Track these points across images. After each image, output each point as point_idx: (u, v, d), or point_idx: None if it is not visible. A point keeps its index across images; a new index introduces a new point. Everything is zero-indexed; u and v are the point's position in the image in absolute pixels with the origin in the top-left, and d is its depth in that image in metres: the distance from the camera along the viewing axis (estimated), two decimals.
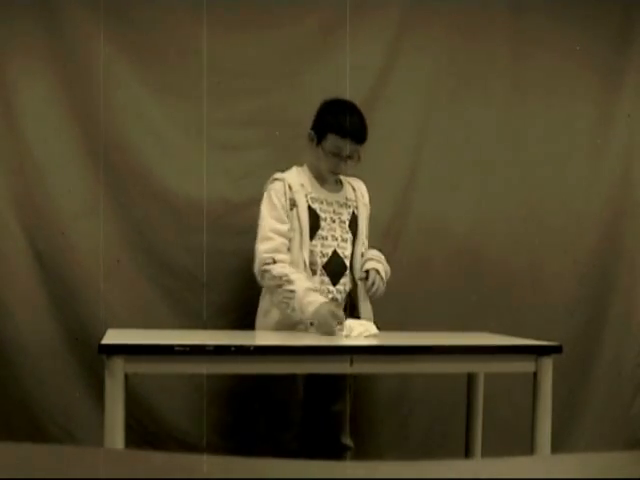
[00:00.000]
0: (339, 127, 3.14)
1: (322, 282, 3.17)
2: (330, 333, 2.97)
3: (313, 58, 3.60)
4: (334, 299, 3.17)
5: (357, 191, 3.34)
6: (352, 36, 3.70)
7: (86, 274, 3.47)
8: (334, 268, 3.20)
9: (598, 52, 3.97)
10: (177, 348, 2.65)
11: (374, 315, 3.22)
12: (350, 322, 3.05)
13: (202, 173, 3.59)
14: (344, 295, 3.22)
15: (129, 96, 3.53)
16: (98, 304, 3.47)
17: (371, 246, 3.36)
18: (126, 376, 2.64)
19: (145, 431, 3.44)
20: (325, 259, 3.19)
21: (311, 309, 3.00)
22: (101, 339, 2.71)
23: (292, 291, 3.04)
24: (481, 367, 3.20)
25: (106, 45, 3.49)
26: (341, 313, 3.01)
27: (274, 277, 3.08)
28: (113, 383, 2.56)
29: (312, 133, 3.20)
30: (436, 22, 3.78)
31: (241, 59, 3.61)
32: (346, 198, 3.31)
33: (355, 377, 3.47)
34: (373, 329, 3.03)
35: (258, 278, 3.16)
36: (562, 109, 3.95)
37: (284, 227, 3.13)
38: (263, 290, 3.22)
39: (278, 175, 3.20)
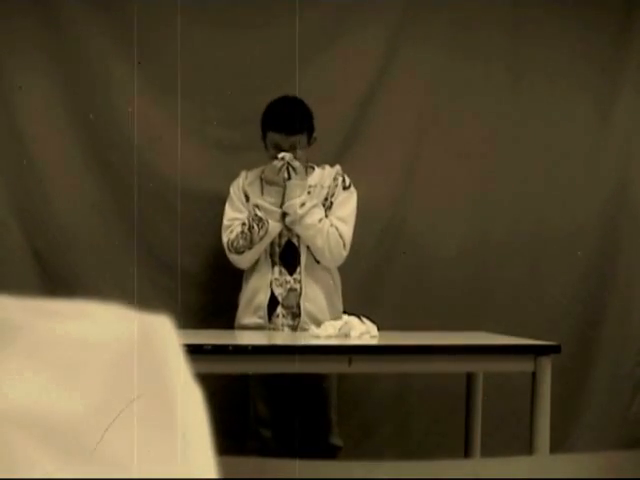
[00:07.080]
0: (271, 123, 3.21)
1: (281, 272, 3.24)
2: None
3: (313, 58, 3.60)
4: (292, 289, 3.23)
5: (322, 177, 3.32)
6: (351, 34, 3.71)
7: (85, 274, 3.47)
8: (288, 258, 3.25)
9: (598, 51, 3.96)
10: None
11: (373, 316, 3.20)
12: (351, 320, 3.04)
13: (201, 173, 3.59)
14: (301, 284, 3.25)
15: (129, 96, 3.53)
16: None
17: (373, 239, 3.34)
18: None
19: None
20: (279, 249, 3.25)
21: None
22: None
23: (255, 216, 3.17)
24: (480, 367, 3.20)
25: (106, 44, 3.50)
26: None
27: (239, 233, 3.18)
28: None
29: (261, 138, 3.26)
30: (436, 19, 3.78)
31: (240, 59, 3.61)
32: (308, 187, 3.27)
33: (339, 377, 3.47)
34: (374, 331, 3.01)
35: (232, 256, 3.22)
36: (562, 108, 3.94)
37: (242, 215, 3.24)
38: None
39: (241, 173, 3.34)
